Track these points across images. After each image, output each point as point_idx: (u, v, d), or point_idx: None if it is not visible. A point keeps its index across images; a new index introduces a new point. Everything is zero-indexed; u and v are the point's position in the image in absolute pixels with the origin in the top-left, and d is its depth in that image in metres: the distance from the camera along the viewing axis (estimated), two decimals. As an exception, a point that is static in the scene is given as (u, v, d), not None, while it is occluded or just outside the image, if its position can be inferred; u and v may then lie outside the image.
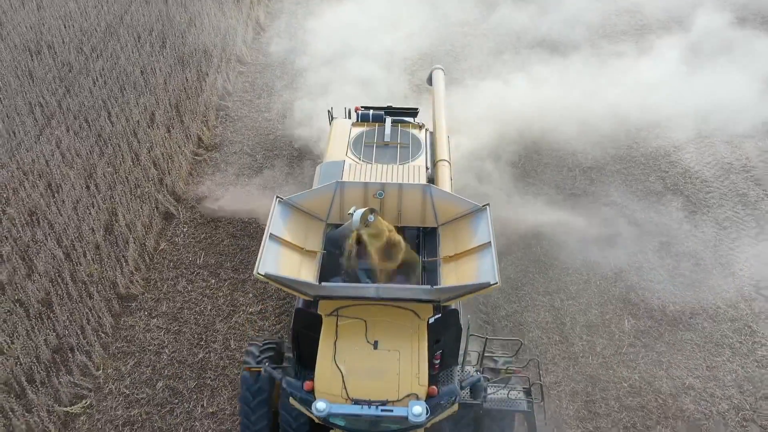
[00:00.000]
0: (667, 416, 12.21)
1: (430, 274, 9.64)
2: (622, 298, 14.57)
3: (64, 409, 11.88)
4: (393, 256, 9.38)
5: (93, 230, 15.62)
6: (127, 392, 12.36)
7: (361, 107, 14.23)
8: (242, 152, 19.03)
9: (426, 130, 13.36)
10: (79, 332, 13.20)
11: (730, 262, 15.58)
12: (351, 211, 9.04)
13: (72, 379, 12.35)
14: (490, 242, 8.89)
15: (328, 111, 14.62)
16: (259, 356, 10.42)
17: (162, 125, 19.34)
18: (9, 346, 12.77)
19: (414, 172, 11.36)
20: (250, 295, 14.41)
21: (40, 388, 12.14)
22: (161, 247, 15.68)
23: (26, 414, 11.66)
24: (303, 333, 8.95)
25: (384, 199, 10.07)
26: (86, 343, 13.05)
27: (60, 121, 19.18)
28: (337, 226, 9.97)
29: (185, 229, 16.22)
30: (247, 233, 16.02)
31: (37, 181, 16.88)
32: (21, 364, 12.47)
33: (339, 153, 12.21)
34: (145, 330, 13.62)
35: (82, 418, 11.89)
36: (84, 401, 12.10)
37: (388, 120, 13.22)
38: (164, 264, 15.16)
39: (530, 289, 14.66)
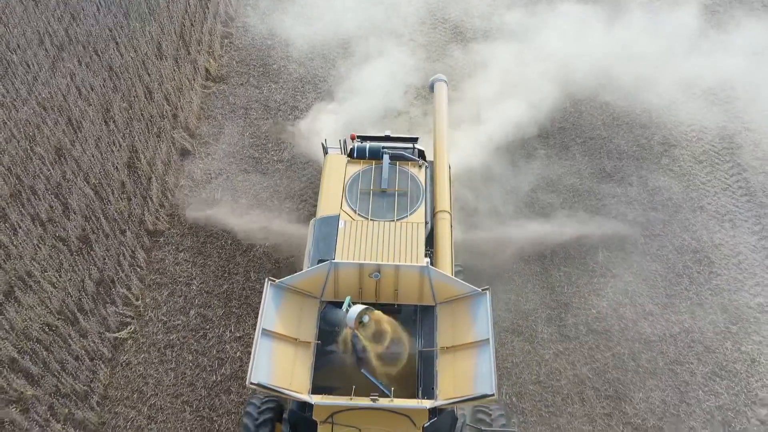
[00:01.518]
0: (627, 339, 14.33)
1: (427, 360, 9.57)
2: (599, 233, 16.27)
3: (113, 334, 13.92)
4: (388, 348, 9.52)
5: (116, 168, 16.94)
6: (165, 319, 14.36)
7: (357, 136, 13.27)
8: (249, 84, 19.86)
9: (425, 167, 12.57)
10: (117, 266, 14.98)
11: (701, 197, 17.16)
12: (346, 305, 9.18)
13: (116, 309, 14.29)
14: (488, 339, 8.92)
15: (322, 144, 13.51)
16: (257, 418, 10.39)
17: (170, 56, 19.99)
18: (57, 280, 14.57)
19: (412, 231, 10.99)
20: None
21: (90, 317, 14.10)
22: (181, 184, 17.09)
23: (82, 339, 13.70)
24: None
25: (381, 277, 9.96)
26: (124, 276, 14.87)
27: (71, 53, 19.78)
28: (332, 302, 10.03)
29: (201, 165, 17.54)
30: (259, 170, 17.37)
31: (58, 118, 17.90)
32: (70, 296, 14.35)
33: (334, 203, 11.60)
34: (174, 263, 15.40)
35: (129, 342, 13.96)
36: (129, 327, 14.12)
37: (386, 160, 12.29)
38: (186, 201, 16.65)
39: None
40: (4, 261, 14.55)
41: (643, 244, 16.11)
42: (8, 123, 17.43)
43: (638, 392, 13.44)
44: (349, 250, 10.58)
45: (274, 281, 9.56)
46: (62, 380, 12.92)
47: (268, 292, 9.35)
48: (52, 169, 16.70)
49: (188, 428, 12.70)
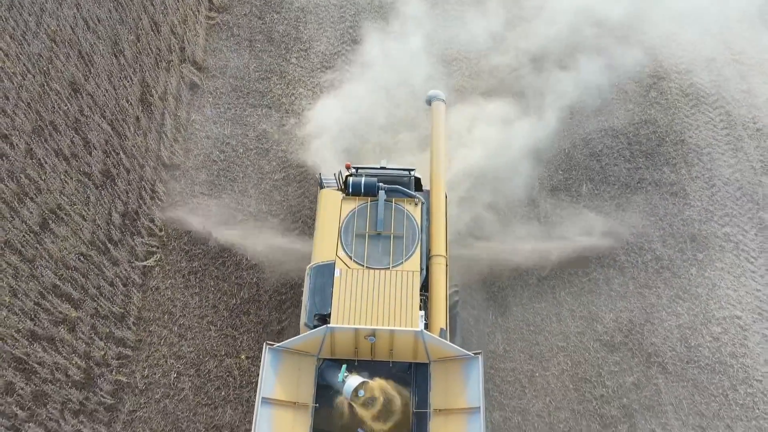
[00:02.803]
0: (602, 266, 15.91)
1: (421, 420, 10.15)
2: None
3: (141, 263, 15.49)
4: (383, 414, 10.10)
5: (130, 103, 17.81)
6: (187, 248, 15.89)
7: (353, 167, 13.08)
8: (251, 14, 20.23)
9: (422, 204, 12.46)
10: (139, 200, 16.30)
11: (683, 130, 18.19)
12: (342, 375, 9.80)
13: (142, 240, 15.77)
14: (479, 408, 9.56)
15: (318, 177, 13.53)
16: None
17: (172, -15, 20.19)
18: (86, 212, 15.93)
19: (407, 279, 11.13)
20: (274, 163, 17.22)
21: (120, 247, 15.60)
22: (192, 118, 18.04)
23: (114, 267, 15.28)
24: None
25: (376, 340, 10.37)
26: (147, 209, 16.23)
27: (74, -18, 19.96)
28: (328, 359, 10.62)
29: (211, 99, 18.40)
30: (265, 104, 18.25)
31: (69, 52, 18.50)
32: (99, 228, 15.77)
33: (329, 247, 11.66)
34: (191, 195, 16.70)
35: (156, 269, 15.56)
36: (155, 256, 15.67)
37: (381, 198, 12.20)
38: (199, 135, 17.68)
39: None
40: (36, 195, 15.84)
41: (625, 176, 17.35)
42: (21, 57, 18.07)
43: (609, 313, 15.23)
44: (346, 304, 10.82)
45: (272, 345, 10.19)
46: (100, 303, 14.63)
47: (266, 356, 9.97)
48: (69, 104, 17.57)
49: (214, 345, 14.57)
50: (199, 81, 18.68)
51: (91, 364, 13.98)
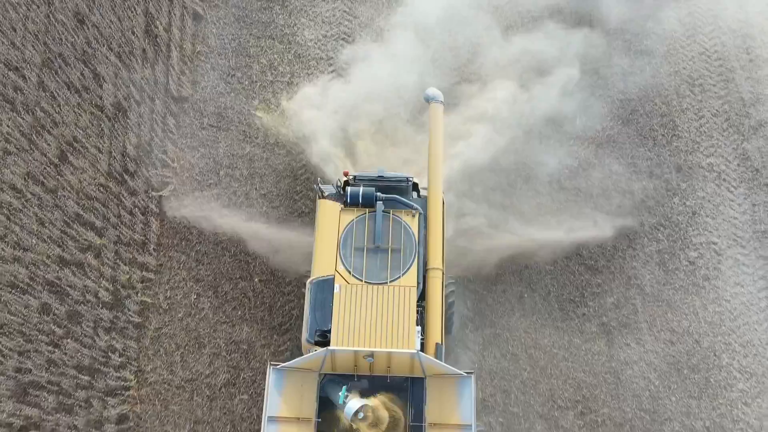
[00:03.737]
0: (590, 195, 16.92)
1: (416, 430, 10.93)
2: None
3: (157, 193, 16.46)
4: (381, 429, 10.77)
5: (136, 35, 18.11)
6: (199, 179, 16.81)
7: (351, 175, 13.32)
8: (251, -62, 20.05)
9: (419, 215, 12.73)
10: (151, 132, 17.03)
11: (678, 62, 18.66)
12: (342, 396, 10.41)
13: (157, 171, 16.65)
14: (470, 426, 10.51)
15: (316, 185, 13.44)
16: None
17: None
18: (102, 145, 16.70)
19: (404, 295, 11.66)
20: (279, 95, 17.82)
21: (136, 177, 16.50)
22: (198, 50, 18.41)
23: (132, 197, 16.26)
24: None
25: (374, 360, 11.01)
26: (159, 141, 16.99)
27: None
28: (329, 374, 11.29)
29: (214, 30, 18.67)
30: (268, 35, 18.56)
31: (71, -19, 18.55)
32: (115, 159, 16.60)
33: (328, 261, 12.09)
34: (200, 128, 17.42)
35: (171, 198, 16.54)
36: (170, 186, 16.61)
37: (379, 209, 12.50)
38: (205, 67, 18.13)
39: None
40: (52, 128, 16.54)
41: (618, 108, 17.99)
42: (24, -14, 18.17)
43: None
44: (345, 323, 11.42)
45: (276, 365, 11.07)
46: (122, 231, 15.74)
47: (270, 376, 10.87)
48: (76, 36, 17.86)
49: (229, 269, 15.82)
50: (201, 11, 18.86)
51: (118, 287, 15.27)
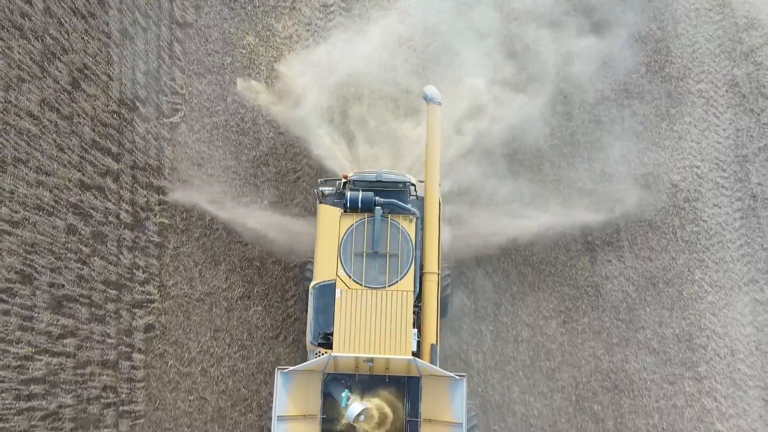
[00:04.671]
0: (584, 111, 17.64)
1: (412, 425, 11.96)
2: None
3: (168, 119, 17.19)
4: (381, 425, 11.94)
5: (137, -42, 18.13)
6: (208, 105, 17.47)
7: (351, 178, 13.58)
8: None
9: (416, 218, 13.14)
10: (159, 60, 17.50)
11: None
12: (345, 400, 11.26)
13: (167, 98, 17.28)
14: (461, 424, 11.42)
15: (319, 188, 13.81)
16: None
17: None
18: (111, 72, 17.23)
19: (401, 300, 12.43)
20: (283, 20, 18.11)
21: (147, 104, 17.16)
22: (199, -26, 18.49)
23: (144, 123, 17.00)
24: None
25: (374, 364, 11.90)
26: (167, 68, 17.50)
27: None
28: (332, 373, 12.15)
29: (215, -47, 18.66)
30: (269, -43, 18.61)
31: None
32: (125, 86, 17.19)
33: (330, 266, 12.72)
34: (206, 54, 17.86)
35: (181, 125, 17.29)
36: (180, 113, 17.31)
37: (377, 214, 12.92)
38: (206, -7, 18.33)
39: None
40: (62, 55, 17.01)
41: (615, 35, 18.34)
42: None
43: (584, 163, 17.31)
44: (347, 329, 12.30)
45: (284, 369, 11.87)
46: (137, 157, 16.63)
47: (278, 379, 11.75)
48: (77, -42, 17.91)
49: (239, 192, 16.83)
50: (201, -67, 18.75)
51: (137, 209, 16.37)
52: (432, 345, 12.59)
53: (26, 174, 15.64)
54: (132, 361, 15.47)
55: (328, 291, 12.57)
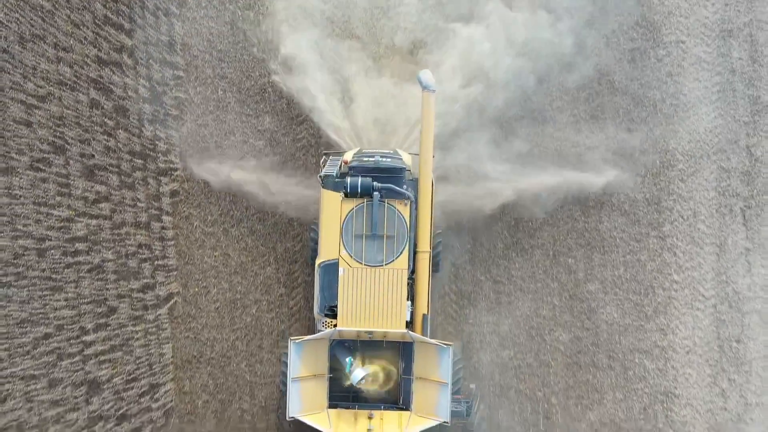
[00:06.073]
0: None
1: (406, 382, 14.24)
2: None
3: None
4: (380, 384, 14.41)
5: None
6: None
7: (351, 164, 14.38)
8: None
9: (411, 203, 14.26)
10: (162, -69, 17.64)
11: None
12: (348, 366, 13.77)
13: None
14: (447, 383, 13.37)
15: (319, 175, 14.71)
16: None
17: None
18: (115, -56, 17.44)
19: (397, 276, 13.96)
20: None
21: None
22: None
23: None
24: None
25: (373, 335, 13.92)
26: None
27: None
28: (337, 339, 14.22)
29: None
30: None
31: None
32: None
33: (333, 246, 14.15)
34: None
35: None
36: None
37: (376, 199, 13.92)
38: None
39: None
40: (65, -73, 17.13)
41: None
42: None
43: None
44: (349, 303, 13.96)
45: (296, 339, 13.62)
46: (149, 33, 17.40)
47: (291, 348, 13.53)
48: None
49: (248, 69, 17.82)
50: None
51: (154, 84, 17.45)
52: (424, 315, 14.48)
53: (46, 50, 16.56)
54: (162, 222, 17.42)
55: (332, 269, 14.18)
